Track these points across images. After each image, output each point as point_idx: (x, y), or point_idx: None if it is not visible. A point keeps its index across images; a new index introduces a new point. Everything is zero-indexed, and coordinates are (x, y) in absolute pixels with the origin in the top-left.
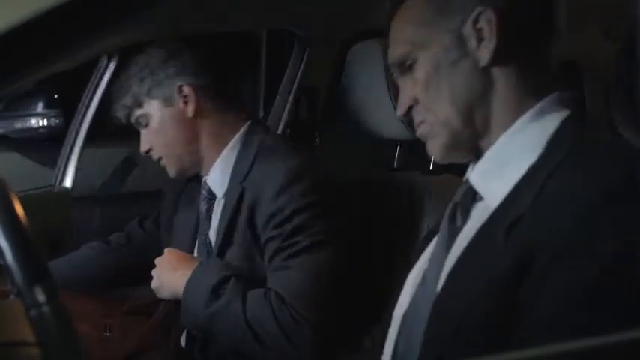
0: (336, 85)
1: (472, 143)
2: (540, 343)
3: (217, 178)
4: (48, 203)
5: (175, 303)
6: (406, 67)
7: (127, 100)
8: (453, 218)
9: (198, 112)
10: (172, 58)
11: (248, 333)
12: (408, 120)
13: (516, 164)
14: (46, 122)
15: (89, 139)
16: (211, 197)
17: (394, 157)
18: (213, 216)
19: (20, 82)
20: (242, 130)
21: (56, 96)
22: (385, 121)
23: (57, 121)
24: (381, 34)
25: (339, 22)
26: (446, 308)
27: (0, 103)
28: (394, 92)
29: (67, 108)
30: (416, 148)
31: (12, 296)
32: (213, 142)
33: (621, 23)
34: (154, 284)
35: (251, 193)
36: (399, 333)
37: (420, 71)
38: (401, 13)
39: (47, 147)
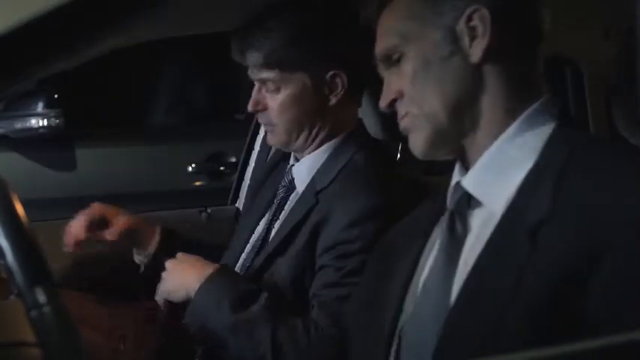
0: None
1: (457, 141)
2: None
3: (302, 172)
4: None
5: None
6: (393, 60)
7: (269, 58)
8: (452, 227)
9: (338, 103)
10: (340, 40)
11: (268, 355)
12: (390, 112)
13: (515, 169)
14: (46, 122)
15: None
16: (291, 187)
17: (395, 157)
18: (286, 207)
19: (20, 82)
20: (344, 134)
21: (56, 96)
22: (387, 121)
23: (57, 121)
24: None
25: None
26: (463, 325)
27: (0, 103)
28: None
29: (67, 108)
30: None
31: (12, 297)
32: (328, 132)
33: (621, 23)
34: (164, 287)
35: (323, 209)
36: (399, 344)
37: (408, 65)
38: (391, 4)
39: (47, 147)
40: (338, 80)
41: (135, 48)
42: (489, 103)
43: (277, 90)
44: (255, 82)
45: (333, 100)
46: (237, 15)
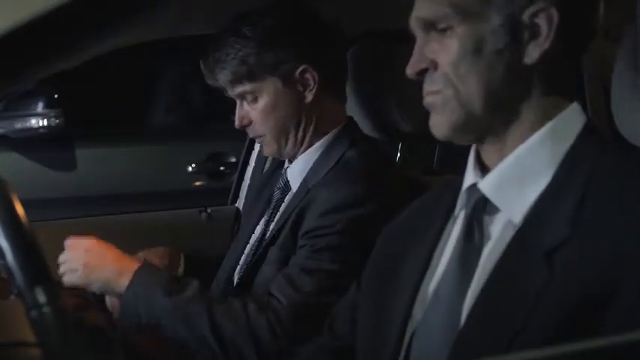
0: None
1: (484, 134)
2: None
3: (297, 172)
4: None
5: None
6: (437, 28)
7: (238, 72)
8: (469, 235)
9: (315, 99)
10: (300, 36)
11: (210, 337)
12: (417, 80)
13: (535, 178)
14: (46, 122)
15: (90, 139)
16: (286, 188)
17: (395, 157)
18: (282, 207)
19: (20, 82)
20: (335, 130)
21: (56, 96)
22: (387, 120)
23: (57, 121)
24: (382, 34)
25: (339, 22)
26: (474, 343)
27: (0, 103)
28: (396, 92)
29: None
30: (418, 148)
31: (12, 297)
32: (316, 131)
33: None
34: (73, 275)
35: (307, 199)
36: (408, 351)
37: (455, 42)
38: None
39: (47, 147)
40: (308, 75)
41: (135, 48)
42: (529, 106)
43: (255, 100)
44: (236, 99)
45: (309, 97)
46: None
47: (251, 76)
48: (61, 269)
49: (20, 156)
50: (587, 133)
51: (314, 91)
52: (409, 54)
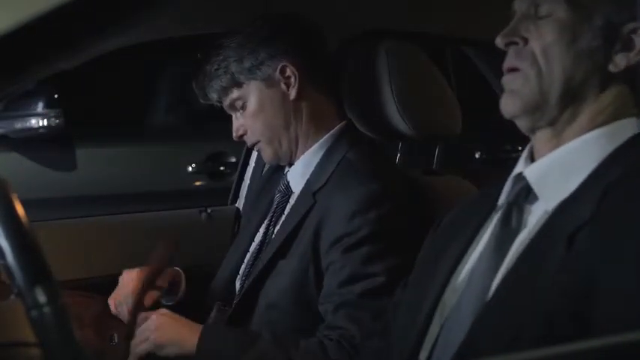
0: (336, 85)
1: (547, 121)
2: None
3: (297, 175)
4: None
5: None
6: (538, 12)
7: (224, 81)
8: (507, 220)
9: (300, 95)
10: (275, 36)
11: None
12: (505, 43)
13: (577, 171)
14: (46, 122)
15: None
16: (287, 191)
17: (395, 157)
18: (286, 210)
19: (20, 82)
20: (333, 131)
21: (56, 96)
22: (387, 120)
23: (57, 121)
24: (381, 34)
25: (338, 22)
26: (493, 321)
27: (0, 103)
28: (396, 92)
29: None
30: (417, 148)
31: (12, 297)
32: (309, 130)
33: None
34: (155, 340)
35: (321, 207)
36: (439, 335)
37: (554, 26)
38: None
39: (47, 147)
40: (288, 72)
41: (135, 48)
42: (598, 107)
43: (244, 107)
44: (231, 113)
45: (293, 93)
46: (237, 15)
47: (235, 82)
48: (149, 344)
49: (20, 156)
50: (638, 139)
51: (296, 86)
52: (409, 54)
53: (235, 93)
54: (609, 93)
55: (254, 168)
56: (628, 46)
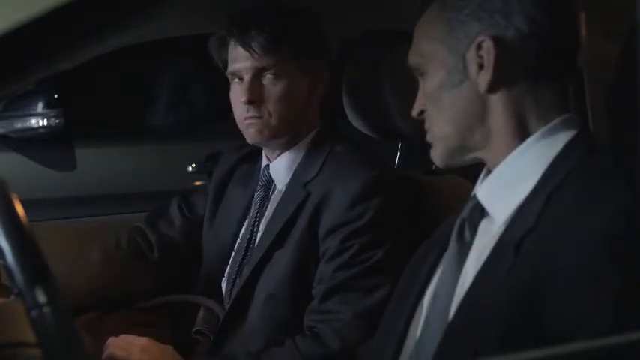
0: (336, 85)
1: (471, 154)
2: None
3: (281, 170)
4: None
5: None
6: (420, 73)
7: (280, 37)
8: (461, 234)
9: (317, 99)
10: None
11: None
12: (421, 120)
13: (522, 183)
14: (46, 122)
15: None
16: (269, 186)
17: (395, 157)
18: (268, 206)
19: (20, 82)
20: (312, 134)
21: (56, 96)
22: (387, 120)
23: (57, 121)
24: (382, 34)
25: (338, 22)
26: (458, 335)
27: (0, 103)
28: (396, 92)
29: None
30: (417, 148)
31: (13, 297)
32: (305, 128)
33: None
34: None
35: (317, 197)
36: (413, 352)
37: (428, 84)
38: (420, 21)
39: (47, 147)
40: (324, 74)
41: (135, 48)
42: (499, 128)
43: (277, 78)
44: (246, 74)
45: (315, 99)
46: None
47: (288, 49)
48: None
49: (20, 156)
50: (577, 141)
51: (321, 92)
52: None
53: (274, 59)
54: (501, 110)
55: None
56: (481, 63)
